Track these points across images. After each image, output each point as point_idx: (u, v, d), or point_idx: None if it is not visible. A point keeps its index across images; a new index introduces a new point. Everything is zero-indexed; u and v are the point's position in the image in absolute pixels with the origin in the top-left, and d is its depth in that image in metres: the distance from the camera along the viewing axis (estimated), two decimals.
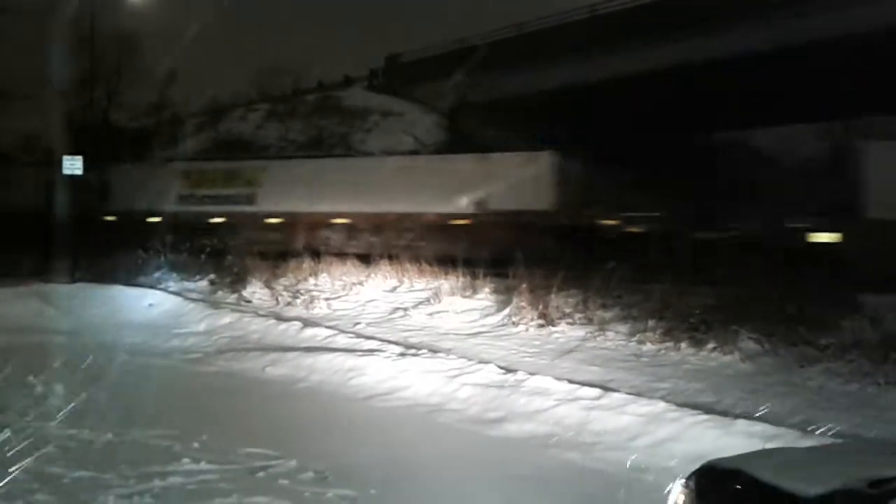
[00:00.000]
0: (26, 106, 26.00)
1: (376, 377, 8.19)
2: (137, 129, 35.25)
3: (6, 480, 4.48)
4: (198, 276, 15.59)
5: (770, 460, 3.16)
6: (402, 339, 10.24)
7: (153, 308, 12.73)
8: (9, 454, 5.15)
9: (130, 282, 14.86)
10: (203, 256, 16.49)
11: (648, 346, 9.50)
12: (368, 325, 11.55)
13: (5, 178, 22.47)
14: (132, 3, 25.32)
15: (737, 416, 6.31)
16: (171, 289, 14.54)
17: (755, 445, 5.33)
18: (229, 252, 16.35)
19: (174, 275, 15.76)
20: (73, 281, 14.83)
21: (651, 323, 9.91)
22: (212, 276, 15.42)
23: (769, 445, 5.36)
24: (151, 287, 14.44)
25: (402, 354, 8.82)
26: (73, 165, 15.47)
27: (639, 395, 7.06)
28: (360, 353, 8.98)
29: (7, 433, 5.53)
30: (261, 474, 5.24)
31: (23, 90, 25.35)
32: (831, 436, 5.88)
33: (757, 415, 6.47)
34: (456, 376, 7.88)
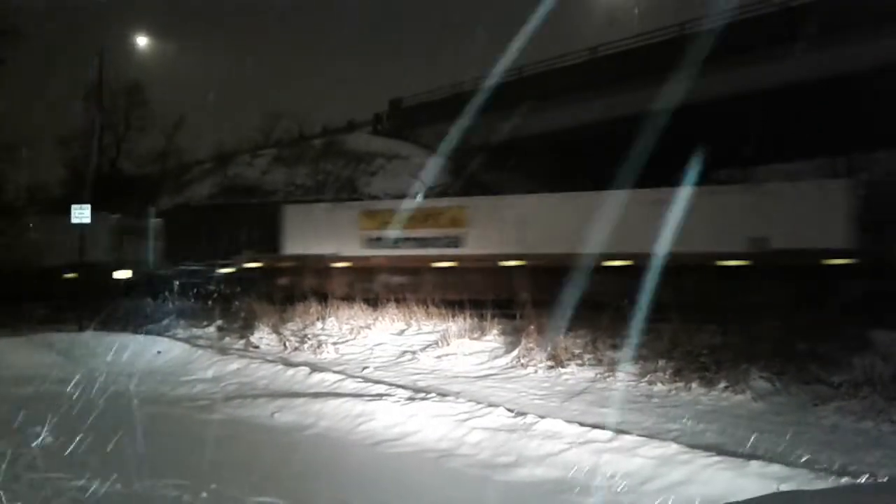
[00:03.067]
0: (33, 156, 26.43)
1: (385, 422, 8.11)
2: (144, 176, 35.65)
3: None
4: (206, 323, 15.62)
5: None
6: (411, 382, 10.20)
7: (161, 355, 12.69)
8: None
9: (139, 329, 14.88)
10: (210, 302, 16.55)
11: (659, 387, 9.45)
12: (376, 369, 11.51)
13: (13, 229, 22.62)
14: (141, 53, 25.80)
15: (750, 458, 6.22)
16: (179, 336, 14.55)
17: (769, 487, 5.28)
18: (236, 298, 16.42)
19: (182, 321, 15.81)
20: (82, 329, 14.84)
21: (661, 363, 9.87)
22: (219, 321, 15.46)
23: (784, 487, 5.31)
24: (159, 334, 14.44)
25: (411, 399, 8.76)
26: (81, 214, 15.56)
27: (650, 436, 6.98)
28: (369, 398, 8.92)
29: (15, 485, 5.51)
30: None
31: (29, 140, 25.77)
32: (846, 476, 5.80)
33: (770, 456, 6.39)
34: (465, 420, 7.81)
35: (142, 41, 30.20)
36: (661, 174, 17.42)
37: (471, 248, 17.89)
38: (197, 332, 15.16)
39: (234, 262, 21.03)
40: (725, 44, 23.47)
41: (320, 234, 19.66)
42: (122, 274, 19.98)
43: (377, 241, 19.13)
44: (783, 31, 22.90)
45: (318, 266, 19.16)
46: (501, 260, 17.08)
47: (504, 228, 17.45)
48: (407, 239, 18.71)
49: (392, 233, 18.70)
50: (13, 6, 22.33)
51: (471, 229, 18.02)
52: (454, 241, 18.19)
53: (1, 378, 9.17)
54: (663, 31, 27.55)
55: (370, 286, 18.34)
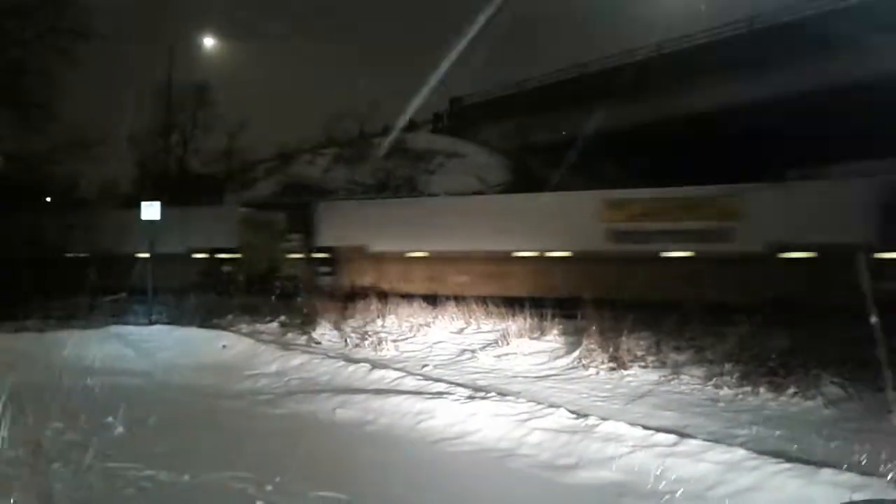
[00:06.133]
0: (105, 152, 27.29)
1: (445, 420, 8.11)
2: (210, 174, 36.44)
3: None
4: (269, 318, 15.87)
5: None
6: (471, 381, 10.19)
7: (226, 350, 12.96)
8: (90, 495, 5.30)
9: (204, 324, 15.22)
10: (273, 298, 16.83)
11: (725, 391, 9.23)
12: (436, 367, 11.53)
13: (86, 223, 23.41)
14: (207, 53, 26.41)
15: (821, 465, 6.02)
16: (243, 331, 14.81)
17: (842, 496, 5.13)
18: (299, 294, 16.67)
19: (246, 317, 16.09)
20: (151, 323, 15.27)
21: (727, 366, 9.64)
22: (282, 317, 15.69)
23: (857, 496, 5.15)
24: (224, 329, 14.74)
25: (471, 397, 8.73)
26: (151, 210, 15.96)
27: (717, 441, 6.82)
28: (429, 396, 8.93)
29: (87, 474, 5.70)
30: None
31: (103, 138, 26.59)
32: None
33: (843, 463, 6.17)
34: (526, 420, 7.75)
35: (208, 42, 30.91)
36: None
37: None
38: (260, 327, 15.42)
39: None
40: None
41: None
42: None
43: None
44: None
45: None
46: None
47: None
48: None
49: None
50: (88, 7, 23.08)
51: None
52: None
53: (76, 369, 9.50)
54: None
55: None
